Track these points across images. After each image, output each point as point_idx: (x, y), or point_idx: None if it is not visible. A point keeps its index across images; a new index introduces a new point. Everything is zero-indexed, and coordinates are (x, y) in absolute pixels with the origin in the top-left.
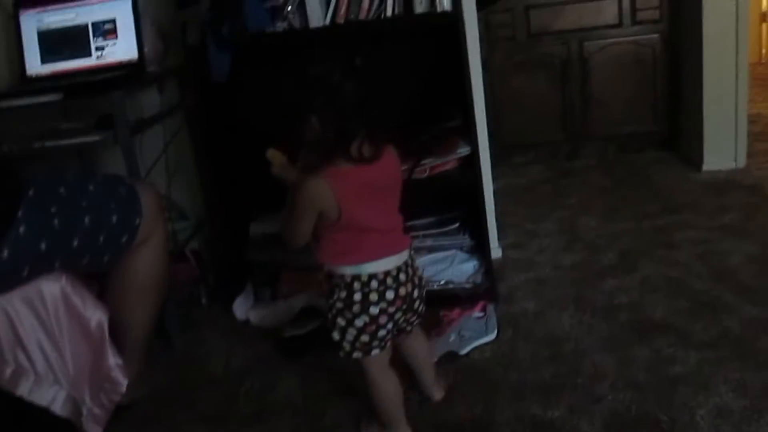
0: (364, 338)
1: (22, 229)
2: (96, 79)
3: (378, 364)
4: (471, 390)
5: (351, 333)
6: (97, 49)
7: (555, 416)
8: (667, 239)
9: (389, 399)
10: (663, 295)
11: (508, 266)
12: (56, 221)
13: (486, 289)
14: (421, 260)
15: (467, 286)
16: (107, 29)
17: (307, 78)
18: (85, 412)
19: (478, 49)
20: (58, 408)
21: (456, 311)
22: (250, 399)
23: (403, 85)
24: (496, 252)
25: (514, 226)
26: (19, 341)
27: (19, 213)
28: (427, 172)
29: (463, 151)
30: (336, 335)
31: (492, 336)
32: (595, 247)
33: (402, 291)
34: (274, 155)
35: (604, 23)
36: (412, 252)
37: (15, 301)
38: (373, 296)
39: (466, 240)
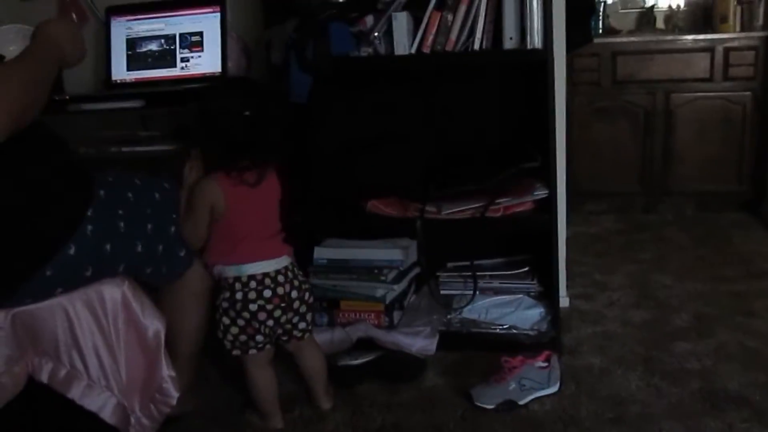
0: (243, 338)
1: (89, 228)
2: (178, 89)
3: (255, 361)
4: None
5: (233, 331)
6: (182, 60)
7: None
8: (747, 306)
9: (264, 392)
10: (739, 366)
11: (574, 317)
12: (122, 224)
13: (551, 339)
14: (486, 302)
15: (531, 333)
16: (194, 41)
17: (205, 112)
18: (133, 421)
19: (564, 91)
20: (108, 415)
21: (518, 358)
22: (297, 427)
23: (484, 121)
24: (563, 301)
25: (583, 275)
26: (76, 343)
27: (89, 212)
28: (501, 211)
29: (540, 193)
30: (219, 333)
31: (554, 389)
32: (667, 307)
33: (280, 291)
34: (194, 155)
35: (693, 76)
36: (293, 260)
37: (76, 302)
38: (252, 295)
39: (534, 285)
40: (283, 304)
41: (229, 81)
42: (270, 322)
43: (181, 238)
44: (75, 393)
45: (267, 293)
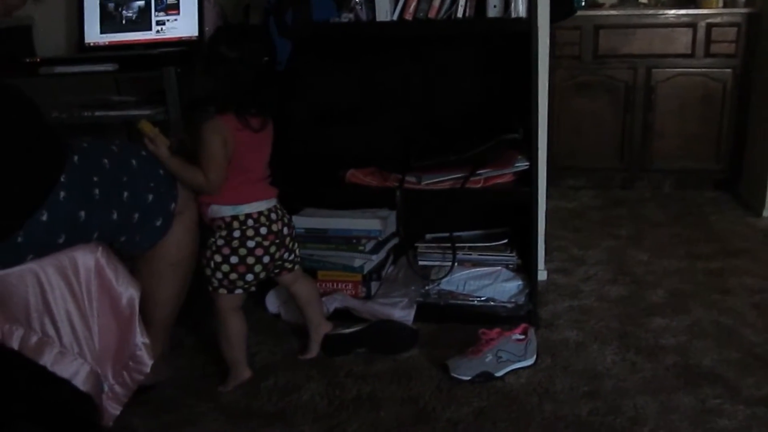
0: (233, 276)
1: (62, 194)
2: (153, 53)
3: (233, 303)
4: (502, 416)
5: (224, 269)
6: (157, 23)
7: None
8: (721, 284)
9: (235, 337)
10: (713, 343)
11: (551, 291)
12: (97, 191)
13: (528, 312)
14: (464, 273)
15: (509, 305)
16: (170, 4)
17: (217, 57)
18: (106, 388)
19: (547, 63)
20: (80, 382)
21: (495, 331)
22: (272, 396)
23: (466, 91)
24: (541, 274)
25: (561, 250)
26: (48, 310)
27: (62, 177)
28: (482, 183)
29: (521, 165)
30: (208, 271)
31: (530, 361)
32: (643, 283)
33: (274, 228)
34: (145, 125)
35: (675, 52)
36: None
37: (48, 268)
38: (250, 232)
39: (512, 258)
40: (277, 240)
41: (242, 27)
42: (266, 258)
43: (159, 207)
44: (47, 360)
45: (263, 230)
